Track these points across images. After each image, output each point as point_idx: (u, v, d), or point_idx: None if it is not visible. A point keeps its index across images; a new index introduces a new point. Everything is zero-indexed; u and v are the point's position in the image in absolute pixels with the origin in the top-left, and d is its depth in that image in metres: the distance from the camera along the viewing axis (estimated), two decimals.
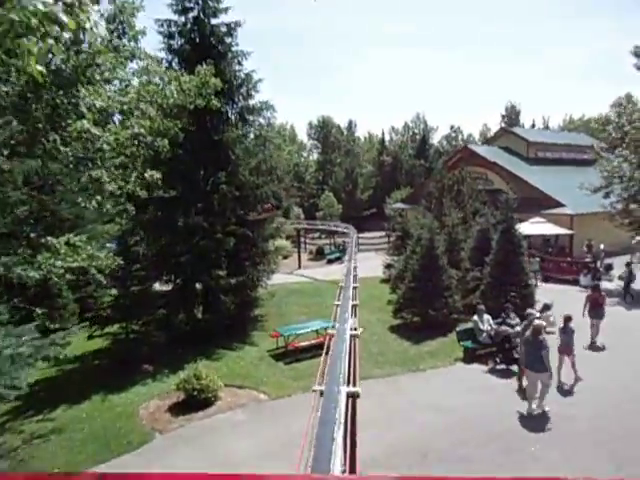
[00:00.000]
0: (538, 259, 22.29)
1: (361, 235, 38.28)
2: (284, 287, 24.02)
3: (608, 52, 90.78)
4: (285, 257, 36.49)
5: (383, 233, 44.61)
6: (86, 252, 10.10)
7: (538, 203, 28.64)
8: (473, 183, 23.64)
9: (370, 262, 29.46)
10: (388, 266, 25.22)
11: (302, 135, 71.35)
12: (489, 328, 12.46)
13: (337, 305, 6.35)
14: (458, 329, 12.85)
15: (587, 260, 23.58)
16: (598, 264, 23.02)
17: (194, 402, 10.51)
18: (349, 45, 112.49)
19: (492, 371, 11.51)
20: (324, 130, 66.19)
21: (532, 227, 23.98)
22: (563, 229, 26.66)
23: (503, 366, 11.58)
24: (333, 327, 4.83)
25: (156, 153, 16.29)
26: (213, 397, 10.62)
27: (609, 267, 22.98)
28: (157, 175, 8.06)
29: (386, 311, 18.06)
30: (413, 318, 15.54)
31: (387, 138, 67.07)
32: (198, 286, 16.35)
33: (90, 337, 13.63)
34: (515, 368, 11.32)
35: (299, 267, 31.82)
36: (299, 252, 32.96)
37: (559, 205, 29.31)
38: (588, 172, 37.60)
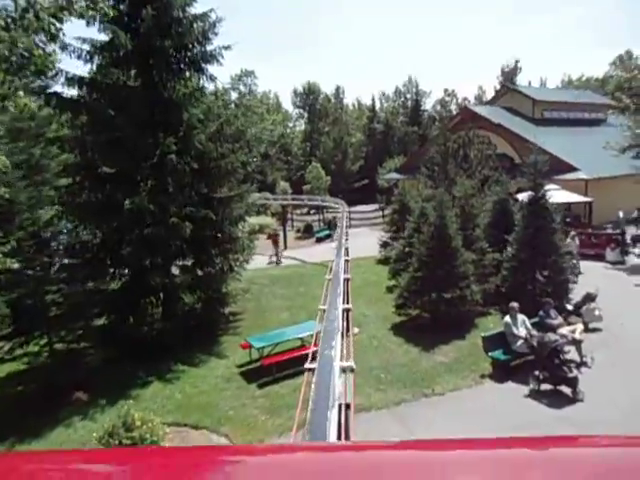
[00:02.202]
0: None
1: (352, 209, 35.10)
2: (266, 274, 20.94)
3: (602, 13, 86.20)
4: (270, 236, 33.31)
5: (377, 206, 41.45)
6: None
7: (549, 168, 25.47)
8: (482, 146, 20.34)
9: (363, 239, 26.39)
10: (385, 245, 22.14)
11: (287, 105, 67.13)
12: (525, 333, 9.41)
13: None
14: (484, 335, 9.79)
15: (613, 232, 20.58)
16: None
17: None
18: (334, 7, 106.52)
19: (536, 394, 8.51)
20: (310, 97, 62.00)
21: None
22: (579, 196, 23.64)
23: (549, 386, 8.60)
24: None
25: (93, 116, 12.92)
26: None
27: (637, 239, 20.00)
28: None
29: (385, 302, 15.03)
30: (422, 313, 12.49)
31: (377, 105, 63.05)
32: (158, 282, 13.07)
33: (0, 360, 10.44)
34: (568, 390, 8.36)
35: (285, 248, 28.62)
36: (284, 231, 29.72)
37: (572, 169, 26.22)
38: (602, 132, 34.51)
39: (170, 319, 12.32)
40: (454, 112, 57.05)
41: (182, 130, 12.43)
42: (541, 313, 9.97)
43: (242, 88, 57.86)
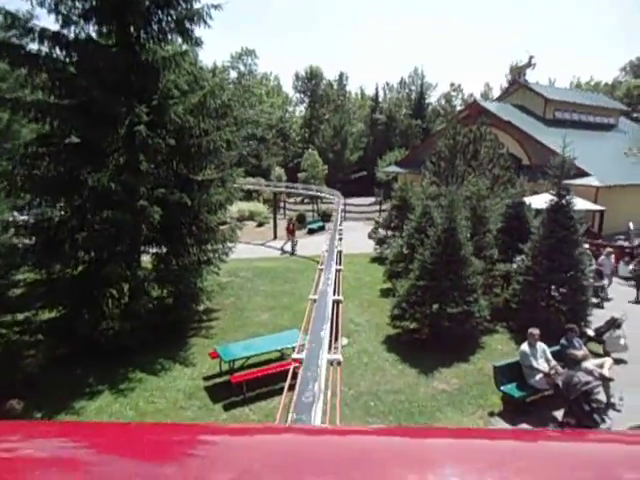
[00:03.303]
0: None
1: (348, 201, 33.45)
2: (251, 266, 19.30)
3: (614, 17, 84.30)
4: (260, 224, 31.67)
5: (374, 200, 39.85)
6: None
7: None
8: (493, 143, 18.70)
9: (358, 234, 24.96)
10: (380, 242, 20.59)
11: (288, 88, 64.83)
12: (546, 366, 7.90)
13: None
14: (496, 365, 8.24)
15: (626, 244, 19.17)
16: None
17: None
18: None
19: None
20: (312, 82, 59.79)
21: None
22: (591, 204, 22.19)
23: None
24: None
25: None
26: None
27: None
28: None
29: (379, 307, 13.57)
30: (422, 329, 10.96)
31: (381, 95, 61.02)
32: (118, 272, 11.38)
33: None
34: None
35: (274, 237, 27.00)
36: (275, 220, 28.01)
37: (583, 175, 24.74)
38: (613, 137, 33.08)
39: (132, 316, 10.67)
40: (459, 107, 55.41)
41: (156, 99, 10.70)
42: (563, 341, 8.47)
43: (242, 68, 55.65)
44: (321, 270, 6.16)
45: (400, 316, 11.09)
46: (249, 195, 35.37)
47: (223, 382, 9.32)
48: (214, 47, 79.13)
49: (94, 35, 11.25)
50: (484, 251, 12.21)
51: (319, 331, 3.38)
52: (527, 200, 15.39)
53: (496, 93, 60.08)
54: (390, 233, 19.89)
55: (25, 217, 13.59)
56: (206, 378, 9.62)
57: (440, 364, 9.76)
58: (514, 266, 12.48)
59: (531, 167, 26.56)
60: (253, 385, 8.83)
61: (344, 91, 61.42)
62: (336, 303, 4.64)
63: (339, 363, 3.20)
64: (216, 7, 11.16)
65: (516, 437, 0.85)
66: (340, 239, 9.77)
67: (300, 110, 62.22)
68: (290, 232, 23.49)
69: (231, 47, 67.65)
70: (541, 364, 7.92)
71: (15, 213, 12.51)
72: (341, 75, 61.52)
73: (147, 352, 10.60)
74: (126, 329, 10.37)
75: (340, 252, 7.80)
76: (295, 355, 3.19)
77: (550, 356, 8.07)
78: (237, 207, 30.19)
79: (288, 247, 23.51)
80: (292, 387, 2.76)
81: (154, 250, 12.57)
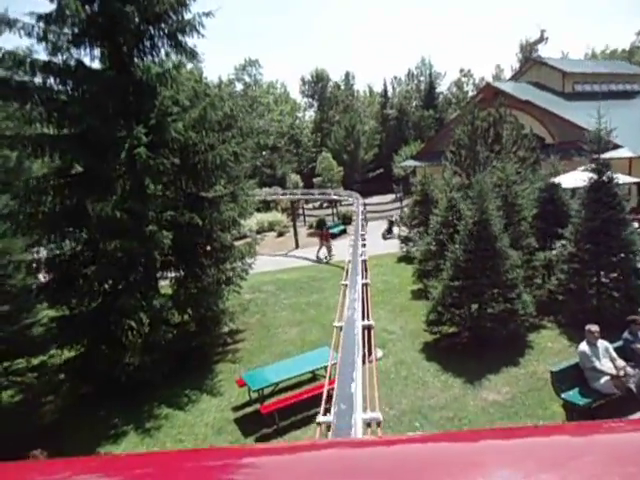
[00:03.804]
0: None
1: (368, 201, 32.61)
2: (274, 278, 18.68)
3: None
4: (280, 234, 31.10)
5: (393, 197, 38.88)
6: None
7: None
8: (516, 124, 17.64)
9: (381, 234, 24.21)
10: (406, 240, 19.73)
11: (296, 94, 64.48)
12: (611, 367, 6.97)
13: None
14: (553, 370, 7.33)
15: None
16: None
17: None
18: None
19: None
20: (319, 85, 59.17)
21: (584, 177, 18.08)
22: (627, 177, 20.79)
23: None
24: None
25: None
26: None
27: None
28: None
29: (412, 312, 12.74)
30: (462, 332, 10.10)
31: (390, 90, 59.89)
32: (132, 304, 10.87)
33: None
34: None
35: (296, 246, 26.33)
36: (295, 228, 27.35)
37: (613, 147, 23.30)
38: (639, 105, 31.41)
39: (153, 348, 10.13)
40: (471, 93, 54.00)
41: (154, 117, 10.17)
42: (626, 335, 7.51)
43: (247, 78, 55.48)
44: (345, 286, 5.43)
45: (437, 321, 10.24)
46: (267, 205, 34.92)
47: (253, 411, 8.65)
48: (220, 65, 79.65)
49: (87, 60, 10.86)
50: (520, 241, 11.25)
51: (348, 381, 2.65)
52: (556, 180, 14.37)
53: (508, 74, 58.46)
54: (415, 231, 19.00)
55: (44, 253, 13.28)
56: (235, 408, 8.98)
57: (487, 370, 8.88)
58: (554, 253, 11.51)
59: (555, 145, 25.30)
60: (286, 413, 8.14)
61: (352, 90, 60.59)
62: (366, 330, 3.91)
63: (379, 424, 2.45)
64: (207, 15, 10.59)
65: (569, 432, 0.78)
66: (364, 245, 9.02)
67: (310, 114, 61.68)
68: (324, 238, 22.62)
69: (235, 62, 67.67)
70: (605, 365, 6.98)
71: (36, 249, 12.22)
72: (347, 75, 60.72)
73: (171, 384, 10.05)
74: (147, 362, 9.82)
75: (365, 261, 7.05)
76: (320, 419, 2.47)
77: (615, 354, 7.11)
78: (256, 219, 29.74)
79: (324, 253, 22.38)
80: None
81: (172, 274, 12.10)
